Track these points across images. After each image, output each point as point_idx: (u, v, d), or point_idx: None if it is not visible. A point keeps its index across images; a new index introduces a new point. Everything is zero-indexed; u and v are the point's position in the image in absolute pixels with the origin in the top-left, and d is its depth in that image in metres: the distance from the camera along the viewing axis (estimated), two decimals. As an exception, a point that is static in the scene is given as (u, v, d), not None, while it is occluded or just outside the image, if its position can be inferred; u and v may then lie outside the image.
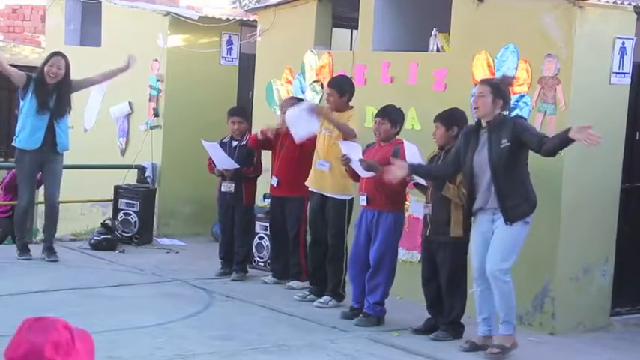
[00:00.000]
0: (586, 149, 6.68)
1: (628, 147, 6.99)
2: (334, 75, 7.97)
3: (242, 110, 8.39)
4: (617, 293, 7.05)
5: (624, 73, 6.81)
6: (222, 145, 8.13)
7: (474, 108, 6.08)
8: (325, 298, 7.21)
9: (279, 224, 7.88)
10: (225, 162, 7.94)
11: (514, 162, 5.84)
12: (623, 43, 6.74)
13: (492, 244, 5.89)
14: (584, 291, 6.85)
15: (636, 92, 6.99)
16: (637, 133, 7.13)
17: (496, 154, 5.82)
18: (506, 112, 6.04)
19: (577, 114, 6.64)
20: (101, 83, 8.51)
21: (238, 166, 7.93)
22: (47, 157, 8.06)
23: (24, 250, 8.27)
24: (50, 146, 8.01)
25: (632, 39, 6.79)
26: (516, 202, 5.83)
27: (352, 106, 7.27)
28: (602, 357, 6.36)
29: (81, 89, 8.45)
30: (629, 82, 6.87)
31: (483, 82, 6.18)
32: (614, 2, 6.81)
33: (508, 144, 5.79)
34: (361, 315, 6.71)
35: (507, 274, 5.89)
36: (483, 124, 5.98)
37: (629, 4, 6.82)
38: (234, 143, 8.08)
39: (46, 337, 2.25)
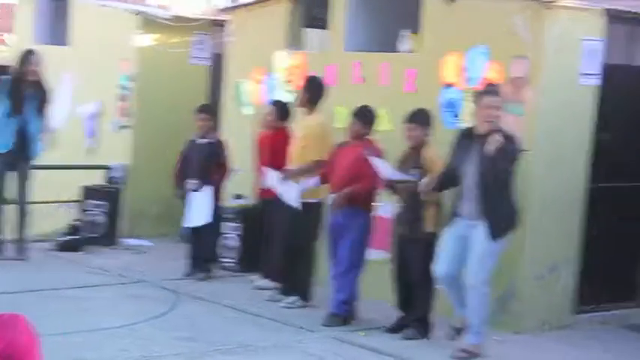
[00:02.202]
0: (554, 150, 6.72)
1: (595, 148, 7.00)
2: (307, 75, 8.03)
3: (207, 108, 8.36)
4: (581, 292, 7.09)
5: (593, 75, 6.82)
6: (191, 142, 8.13)
7: (488, 120, 5.82)
8: (292, 298, 7.18)
9: (260, 223, 7.87)
10: None
11: (505, 179, 5.81)
12: (592, 45, 6.76)
13: (473, 255, 5.89)
14: (549, 290, 6.87)
15: (604, 93, 7.00)
16: (604, 134, 7.14)
17: (486, 167, 5.77)
18: None
19: (546, 115, 6.67)
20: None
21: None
22: (17, 161, 7.94)
23: None
24: (21, 150, 7.88)
25: (601, 40, 6.80)
26: (500, 221, 5.83)
27: (317, 109, 7.24)
28: (567, 355, 6.38)
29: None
30: (598, 84, 6.89)
31: (495, 93, 5.96)
32: (583, 4, 6.84)
33: (507, 165, 5.79)
34: (328, 314, 6.67)
35: (486, 285, 5.93)
36: (477, 131, 5.90)
37: (598, 6, 6.84)
38: (203, 141, 8.06)
39: (18, 331, 2.35)
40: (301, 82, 7.58)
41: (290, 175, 7.12)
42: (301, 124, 7.28)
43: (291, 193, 7.07)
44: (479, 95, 6.02)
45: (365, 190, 6.63)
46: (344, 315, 6.67)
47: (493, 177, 5.77)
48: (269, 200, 7.67)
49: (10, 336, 2.34)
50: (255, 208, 8.06)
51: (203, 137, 8.03)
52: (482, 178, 5.80)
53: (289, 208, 7.16)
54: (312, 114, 7.24)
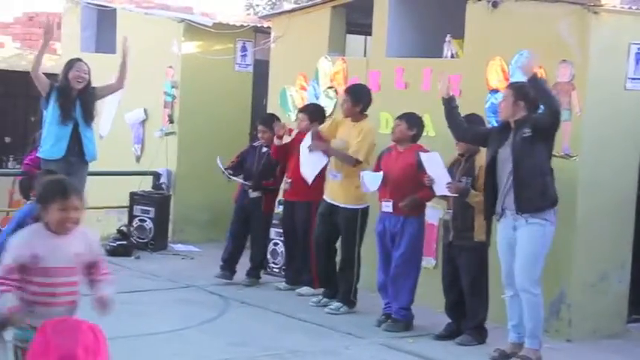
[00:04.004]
0: (601, 155, 6.70)
1: (643, 153, 6.97)
2: (351, 82, 8.01)
3: (266, 119, 8.28)
4: (633, 300, 7.01)
5: (640, 79, 6.79)
6: (252, 148, 8.24)
7: (499, 111, 6.14)
8: (336, 304, 7.21)
9: (290, 229, 7.89)
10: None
11: (534, 152, 5.82)
12: (639, 49, 6.72)
13: (517, 256, 5.90)
14: (600, 298, 6.82)
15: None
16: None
17: (518, 143, 5.85)
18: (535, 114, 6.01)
19: (592, 120, 6.64)
20: (120, 86, 8.43)
21: (248, 183, 8.03)
22: (73, 166, 8.05)
23: None
24: (77, 155, 8.00)
25: (648, 45, 6.77)
26: (531, 194, 5.81)
27: (366, 115, 7.28)
28: (619, 364, 6.34)
29: (103, 97, 8.40)
30: (645, 89, 6.85)
31: (508, 85, 6.26)
32: (629, 8, 6.81)
33: (530, 133, 5.82)
34: (389, 320, 6.74)
35: (537, 287, 5.91)
36: (512, 125, 5.98)
37: (646, 9, 6.82)
38: (264, 149, 8.12)
39: (75, 341, 2.31)
40: (345, 90, 7.54)
41: (321, 148, 7.13)
42: (357, 127, 7.16)
43: (311, 164, 7.08)
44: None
45: (427, 199, 6.67)
46: (405, 320, 6.71)
47: (525, 153, 5.79)
48: (290, 202, 7.72)
49: (66, 346, 2.35)
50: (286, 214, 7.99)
51: (266, 146, 8.08)
52: (515, 156, 5.83)
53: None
54: (362, 120, 7.25)
